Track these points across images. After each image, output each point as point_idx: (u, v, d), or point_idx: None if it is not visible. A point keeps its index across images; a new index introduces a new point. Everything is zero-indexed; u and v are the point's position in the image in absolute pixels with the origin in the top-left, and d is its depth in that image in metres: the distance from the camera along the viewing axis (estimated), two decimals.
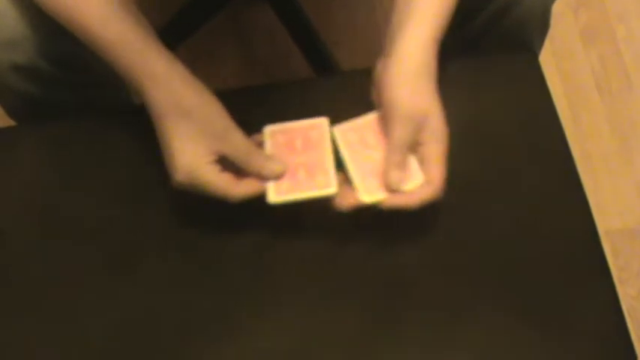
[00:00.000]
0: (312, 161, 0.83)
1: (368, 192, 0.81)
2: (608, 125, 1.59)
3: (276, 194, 0.81)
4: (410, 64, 0.81)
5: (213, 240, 0.88)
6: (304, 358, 0.82)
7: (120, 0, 0.82)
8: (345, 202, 0.81)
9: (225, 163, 0.81)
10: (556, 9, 1.02)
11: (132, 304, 0.85)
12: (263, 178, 0.82)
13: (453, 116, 0.82)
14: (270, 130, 0.85)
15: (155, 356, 0.83)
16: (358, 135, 0.84)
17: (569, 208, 0.89)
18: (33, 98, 0.99)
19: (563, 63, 1.65)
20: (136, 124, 0.88)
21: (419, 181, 0.80)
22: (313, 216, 0.84)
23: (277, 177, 0.82)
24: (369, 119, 0.85)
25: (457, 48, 1.00)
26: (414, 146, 0.81)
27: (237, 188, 0.81)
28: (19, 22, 0.91)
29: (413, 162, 0.81)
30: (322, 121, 0.85)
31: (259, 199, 0.82)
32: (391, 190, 0.80)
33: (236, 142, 0.81)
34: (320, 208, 0.81)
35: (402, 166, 0.80)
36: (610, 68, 1.64)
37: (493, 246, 0.86)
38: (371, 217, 0.82)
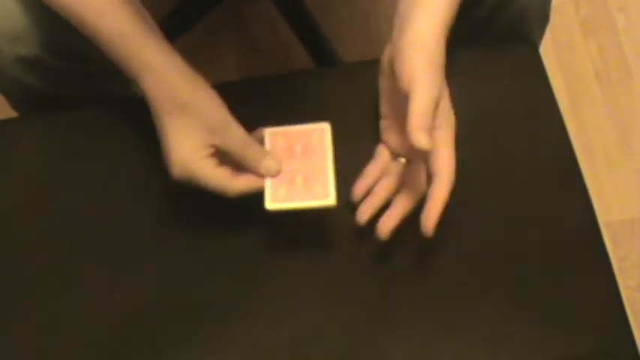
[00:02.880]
0: (310, 168, 0.81)
1: (275, 200, 0.80)
2: (608, 116, 1.59)
3: (273, 201, 0.80)
4: (424, 48, 0.79)
5: (211, 235, 0.88)
6: (302, 355, 0.82)
7: None
8: (386, 228, 0.80)
9: (224, 157, 0.81)
10: (556, 0, 1.03)
11: (130, 298, 0.85)
12: (258, 175, 0.81)
13: (454, 108, 0.82)
14: (270, 132, 0.84)
15: (152, 351, 0.83)
16: (287, 141, 0.82)
17: (569, 198, 0.89)
18: (37, 90, 0.99)
19: (564, 54, 1.65)
20: (138, 116, 0.88)
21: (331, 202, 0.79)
22: (310, 212, 0.83)
23: (273, 175, 0.81)
24: (303, 129, 0.83)
25: (457, 39, 1.00)
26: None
27: (234, 183, 0.80)
28: (22, 15, 0.91)
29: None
30: (324, 126, 0.83)
31: (257, 197, 0.81)
32: (420, 150, 0.75)
33: (233, 136, 0.80)
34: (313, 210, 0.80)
35: (429, 129, 0.75)
36: (610, 59, 1.64)
37: (493, 237, 0.87)
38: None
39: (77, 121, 0.96)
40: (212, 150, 0.80)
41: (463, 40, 0.95)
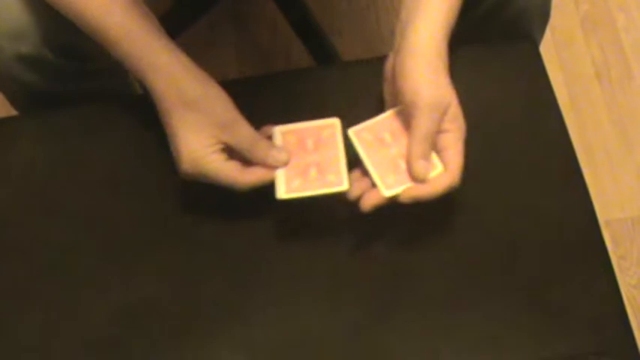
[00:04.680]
0: (324, 160, 0.83)
1: (388, 187, 0.80)
2: (608, 114, 1.59)
3: (286, 191, 0.81)
4: (424, 55, 0.80)
5: (213, 231, 0.88)
6: (305, 351, 0.82)
7: None
8: (369, 202, 0.80)
9: (232, 152, 0.81)
10: None
11: (130, 297, 0.85)
12: (268, 166, 0.82)
13: None
14: (280, 130, 0.85)
15: (152, 347, 0.83)
16: (373, 134, 0.83)
17: (569, 197, 0.89)
18: (37, 89, 0.99)
19: (564, 52, 1.64)
20: (138, 113, 0.88)
21: (439, 170, 0.80)
22: (315, 210, 0.84)
23: (282, 165, 0.82)
24: (382, 118, 0.84)
25: (457, 37, 1.00)
26: (437, 134, 0.81)
27: (244, 176, 0.81)
28: (24, 12, 0.91)
29: (431, 152, 0.81)
30: (334, 122, 0.85)
31: (262, 192, 0.81)
32: (417, 180, 0.80)
33: (241, 132, 0.81)
34: (321, 202, 0.81)
35: (427, 156, 0.80)
36: (610, 57, 1.64)
37: (493, 235, 0.87)
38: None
39: (77, 119, 0.96)
40: (221, 145, 0.81)
41: (463, 37, 0.95)
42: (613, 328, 0.83)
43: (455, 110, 0.81)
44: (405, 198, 0.79)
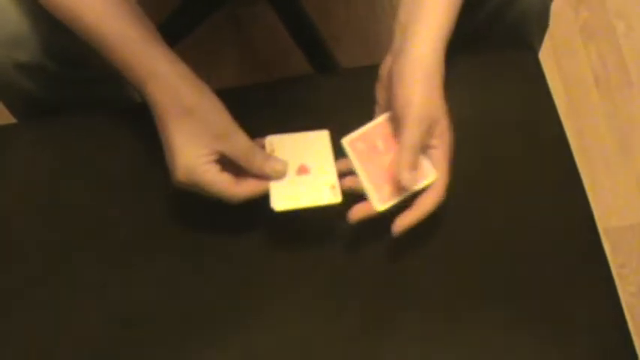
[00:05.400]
0: (315, 171, 0.83)
1: (382, 201, 0.81)
2: (607, 122, 1.59)
3: (280, 200, 0.81)
4: (423, 66, 0.81)
5: (210, 239, 0.88)
6: (302, 357, 0.82)
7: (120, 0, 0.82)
8: (357, 214, 0.81)
9: (226, 163, 0.81)
10: (556, 6, 1.02)
11: (128, 302, 0.85)
12: (265, 176, 0.81)
13: (453, 113, 0.82)
14: (272, 140, 0.84)
15: (150, 354, 0.83)
16: (367, 143, 0.83)
17: (568, 204, 0.89)
18: (36, 97, 0.99)
19: (563, 60, 1.65)
20: (136, 121, 0.88)
21: (432, 178, 0.81)
22: (311, 217, 0.83)
23: (279, 175, 0.82)
24: (375, 125, 0.84)
25: (456, 45, 1.00)
26: (423, 149, 0.81)
27: (238, 188, 0.81)
28: (22, 20, 0.91)
29: (424, 160, 0.82)
30: (324, 133, 0.85)
31: (257, 201, 0.81)
32: (405, 190, 0.80)
33: (237, 141, 0.81)
34: (317, 211, 0.81)
35: (415, 166, 0.80)
36: (609, 65, 1.64)
37: (492, 243, 0.87)
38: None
39: (75, 127, 0.96)
40: (216, 156, 0.80)
41: (463, 45, 0.95)
42: (612, 336, 0.83)
43: (442, 127, 0.81)
44: (398, 229, 0.80)
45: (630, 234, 1.48)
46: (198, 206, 0.86)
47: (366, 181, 0.82)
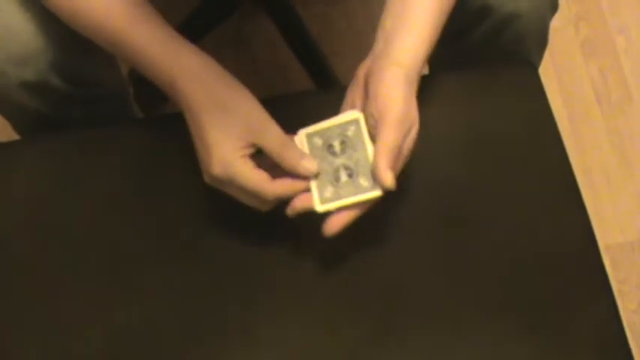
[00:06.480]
0: (352, 163, 0.81)
1: (323, 202, 0.80)
2: (608, 138, 1.59)
3: (321, 203, 0.80)
4: (405, 70, 0.80)
5: (213, 253, 0.88)
6: None
7: (142, 2, 0.83)
8: (299, 205, 0.80)
9: (260, 161, 0.80)
10: (556, 22, 1.03)
11: (128, 316, 0.85)
12: (298, 175, 0.80)
13: (453, 129, 0.82)
14: (305, 133, 0.83)
15: None
16: (323, 139, 0.82)
17: (569, 221, 0.89)
18: (41, 115, 0.99)
19: (564, 76, 1.65)
20: (139, 137, 0.88)
21: (378, 193, 0.79)
22: (313, 227, 0.83)
23: (311, 176, 0.80)
24: (336, 124, 0.83)
25: (456, 61, 1.00)
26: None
27: (272, 185, 0.79)
28: (32, 38, 0.90)
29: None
30: (357, 116, 0.82)
31: (256, 216, 0.81)
32: (385, 190, 0.79)
33: (272, 135, 0.80)
34: (318, 220, 0.80)
35: (394, 167, 0.78)
36: (610, 81, 1.64)
37: (493, 258, 0.86)
38: (371, 226, 0.83)
39: (78, 143, 0.96)
40: (252, 150, 0.80)
41: (462, 61, 0.95)
42: (613, 353, 0.82)
43: (414, 134, 0.80)
44: (332, 229, 0.79)
45: (631, 250, 1.48)
46: (201, 221, 0.86)
47: (312, 180, 0.81)
